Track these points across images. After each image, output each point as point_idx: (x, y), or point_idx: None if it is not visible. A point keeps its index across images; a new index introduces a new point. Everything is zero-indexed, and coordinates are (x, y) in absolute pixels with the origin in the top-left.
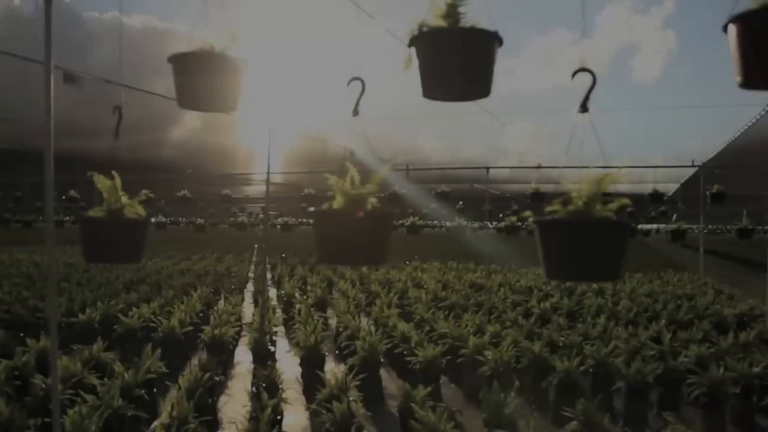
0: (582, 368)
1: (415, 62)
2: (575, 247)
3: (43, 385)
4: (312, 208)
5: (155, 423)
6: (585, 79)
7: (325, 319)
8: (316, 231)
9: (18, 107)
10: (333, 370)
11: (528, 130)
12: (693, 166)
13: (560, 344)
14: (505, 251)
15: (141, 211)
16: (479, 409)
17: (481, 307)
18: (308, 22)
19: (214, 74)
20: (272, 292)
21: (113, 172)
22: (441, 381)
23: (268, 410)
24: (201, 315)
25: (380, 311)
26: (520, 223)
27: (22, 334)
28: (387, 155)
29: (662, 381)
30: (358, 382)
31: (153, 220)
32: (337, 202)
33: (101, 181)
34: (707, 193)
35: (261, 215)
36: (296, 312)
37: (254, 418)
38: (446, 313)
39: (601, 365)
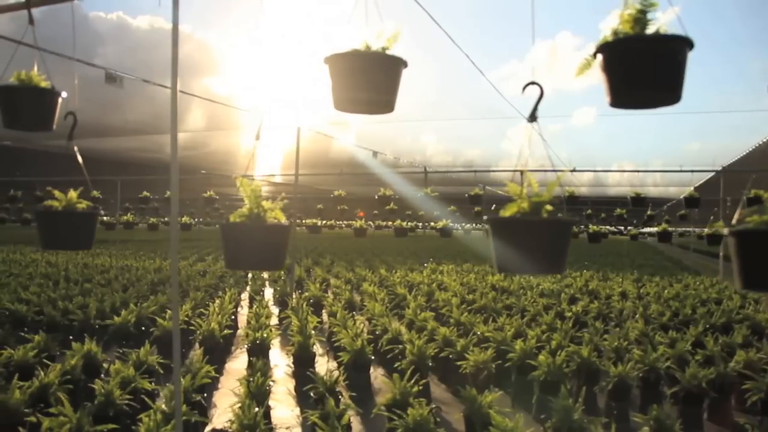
0: (635, 373)
1: (595, 69)
2: None
3: (103, 390)
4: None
5: (208, 428)
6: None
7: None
8: (492, 239)
9: None
10: (375, 374)
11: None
12: (717, 170)
13: (603, 348)
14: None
15: (281, 216)
16: (530, 414)
17: (512, 310)
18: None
19: (374, 74)
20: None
21: (254, 176)
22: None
23: (347, 416)
24: (232, 317)
25: (414, 314)
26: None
27: (71, 337)
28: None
29: (713, 386)
30: (420, 388)
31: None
32: (517, 208)
33: (244, 185)
34: (744, 197)
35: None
36: (327, 315)
37: (328, 422)
38: (484, 316)
39: (652, 370)
